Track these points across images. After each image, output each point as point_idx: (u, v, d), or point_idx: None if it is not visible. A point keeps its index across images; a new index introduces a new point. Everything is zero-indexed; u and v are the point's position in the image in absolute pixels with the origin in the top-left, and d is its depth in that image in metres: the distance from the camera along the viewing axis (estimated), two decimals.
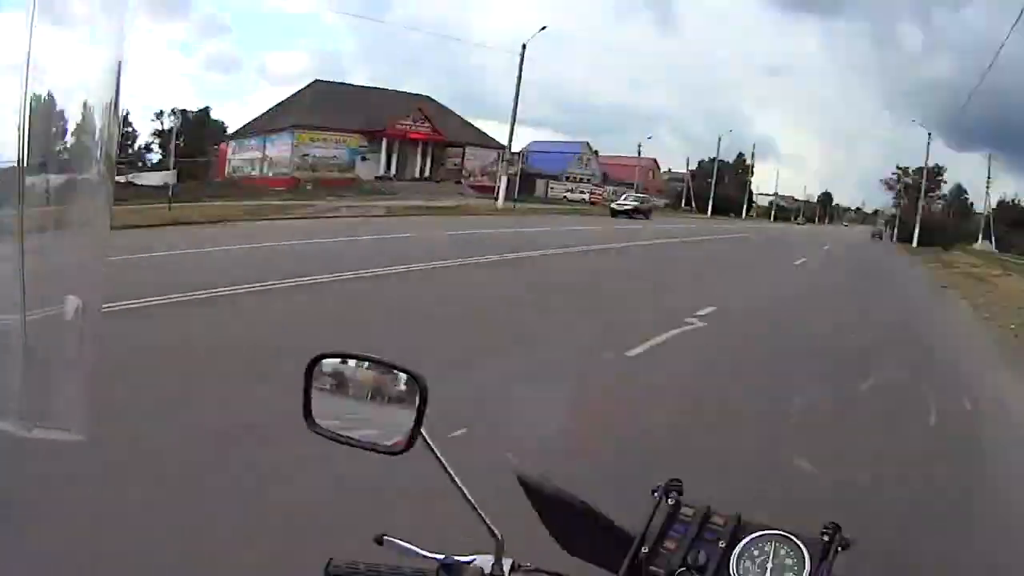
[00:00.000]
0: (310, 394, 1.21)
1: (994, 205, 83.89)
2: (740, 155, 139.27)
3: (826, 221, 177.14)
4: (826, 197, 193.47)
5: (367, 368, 1.22)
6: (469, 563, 1.12)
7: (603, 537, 1.26)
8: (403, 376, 1.18)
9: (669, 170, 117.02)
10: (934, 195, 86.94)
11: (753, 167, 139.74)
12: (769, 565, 1.18)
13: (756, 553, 1.20)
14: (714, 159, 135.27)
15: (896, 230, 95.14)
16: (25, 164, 0.83)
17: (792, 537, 1.21)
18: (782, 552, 1.20)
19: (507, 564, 1.13)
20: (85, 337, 0.86)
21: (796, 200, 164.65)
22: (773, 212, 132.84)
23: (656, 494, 1.28)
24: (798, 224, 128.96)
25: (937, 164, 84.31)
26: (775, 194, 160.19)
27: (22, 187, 0.82)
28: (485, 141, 63.22)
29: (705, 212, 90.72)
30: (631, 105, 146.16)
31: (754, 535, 1.21)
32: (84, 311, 0.85)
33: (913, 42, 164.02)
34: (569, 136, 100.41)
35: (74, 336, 0.86)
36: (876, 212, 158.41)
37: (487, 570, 1.11)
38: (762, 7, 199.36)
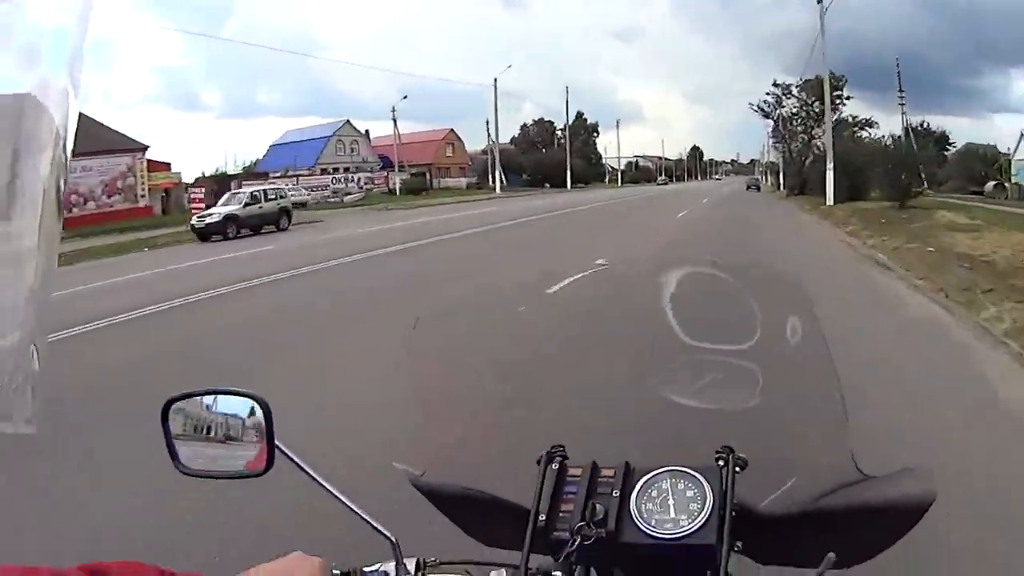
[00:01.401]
0: (171, 438, 1.19)
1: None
2: (580, 115, 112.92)
3: (697, 177, 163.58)
4: (696, 152, 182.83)
5: (215, 400, 1.21)
6: (375, 571, 1.07)
7: (506, 518, 1.24)
8: (248, 401, 1.17)
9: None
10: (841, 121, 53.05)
11: (597, 128, 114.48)
12: (671, 501, 1.15)
13: (654, 493, 1.17)
14: (540, 121, 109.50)
15: (782, 177, 66.07)
16: None
17: (687, 470, 1.18)
18: (680, 486, 1.17)
19: (411, 563, 1.10)
20: (35, 334, 0.83)
21: (665, 159, 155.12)
22: (620, 176, 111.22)
23: (540, 463, 1.22)
24: (658, 184, 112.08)
25: (834, 73, 52.34)
26: (640, 156, 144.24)
27: None
28: (121, 144, 42.64)
29: (526, 187, 71.85)
30: (489, 85, 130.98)
31: (647, 476, 1.18)
32: (34, 309, 0.83)
33: None
34: (434, 125, 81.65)
35: (25, 333, 0.82)
36: (752, 162, 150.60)
37: (392, 573, 1.07)
38: None
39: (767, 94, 58.44)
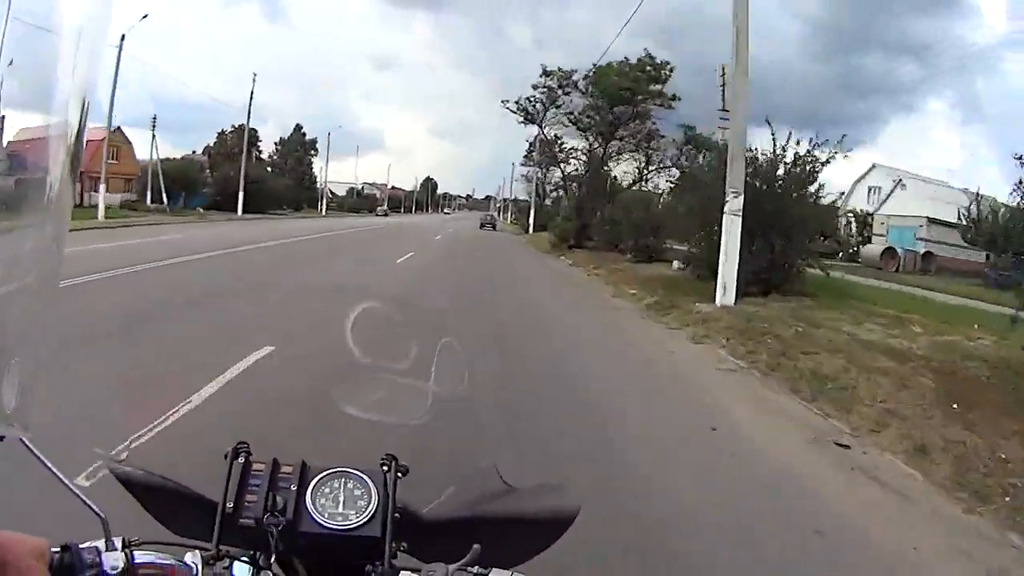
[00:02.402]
0: None
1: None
2: (298, 128, 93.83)
3: (426, 210, 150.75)
4: (429, 184, 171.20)
5: None
6: (87, 548, 1.07)
7: (196, 509, 1.27)
8: None
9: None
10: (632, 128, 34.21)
11: (316, 145, 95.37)
12: (341, 498, 1.24)
13: (327, 490, 1.25)
14: (241, 128, 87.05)
15: (533, 215, 51.15)
16: None
17: (354, 471, 1.27)
18: (349, 485, 1.26)
19: (118, 542, 1.11)
20: (33, 341, 0.82)
21: (395, 189, 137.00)
22: (327, 204, 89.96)
23: (227, 457, 1.28)
24: (377, 215, 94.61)
25: (652, 55, 32.74)
26: (367, 183, 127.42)
27: None
28: None
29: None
30: (236, 100, 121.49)
31: (321, 475, 1.26)
32: (32, 312, 0.82)
33: (523, 38, 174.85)
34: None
35: (22, 339, 0.82)
36: (488, 198, 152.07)
37: (102, 549, 1.09)
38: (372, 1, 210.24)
39: (535, 88, 37.73)
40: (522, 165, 52.97)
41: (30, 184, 0.77)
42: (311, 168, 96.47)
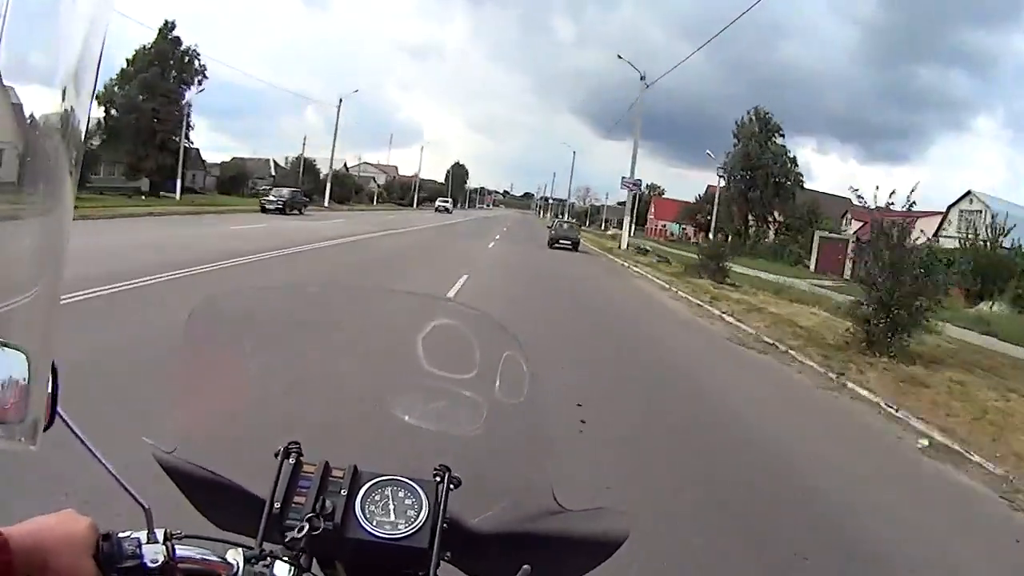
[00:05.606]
0: None
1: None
2: (167, 30, 42.31)
3: (463, 204, 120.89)
4: (453, 171, 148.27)
5: None
6: (127, 537, 1.03)
7: (241, 505, 1.24)
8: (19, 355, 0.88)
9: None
10: None
11: (195, 64, 47.28)
12: (391, 506, 1.21)
13: (377, 498, 1.22)
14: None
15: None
16: None
17: (407, 480, 1.24)
18: (400, 494, 1.22)
19: (160, 533, 1.06)
20: (37, 353, 0.77)
21: (409, 176, 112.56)
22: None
23: (278, 456, 1.24)
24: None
25: None
26: (368, 164, 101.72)
27: None
28: None
29: None
30: (278, 87, 78.85)
31: (372, 481, 1.23)
32: (40, 322, 0.77)
33: (564, 32, 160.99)
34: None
35: (26, 346, 0.76)
36: (526, 195, 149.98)
37: (143, 540, 1.04)
38: None
39: None
40: None
41: (28, 172, 0.69)
42: (179, 108, 45.10)
